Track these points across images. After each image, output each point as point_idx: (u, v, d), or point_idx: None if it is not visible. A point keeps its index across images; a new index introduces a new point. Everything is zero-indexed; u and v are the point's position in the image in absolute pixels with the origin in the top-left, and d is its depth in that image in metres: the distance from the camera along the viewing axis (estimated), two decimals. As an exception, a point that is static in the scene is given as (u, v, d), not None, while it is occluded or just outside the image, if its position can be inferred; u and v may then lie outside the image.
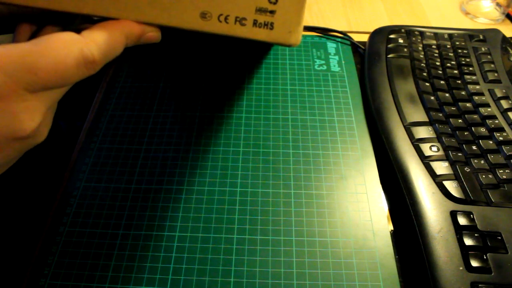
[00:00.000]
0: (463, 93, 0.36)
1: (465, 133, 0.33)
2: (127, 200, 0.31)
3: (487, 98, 0.36)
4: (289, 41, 0.24)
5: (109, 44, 0.18)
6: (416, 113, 0.34)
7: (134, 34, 0.20)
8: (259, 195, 0.32)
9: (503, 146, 0.32)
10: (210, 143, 0.35)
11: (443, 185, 0.29)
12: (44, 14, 0.22)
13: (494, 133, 0.33)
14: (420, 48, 0.41)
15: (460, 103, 0.35)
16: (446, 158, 0.31)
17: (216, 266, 0.28)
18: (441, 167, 0.30)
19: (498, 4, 0.49)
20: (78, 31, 0.18)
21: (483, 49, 0.41)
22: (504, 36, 0.42)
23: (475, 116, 0.34)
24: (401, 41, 0.41)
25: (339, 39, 0.46)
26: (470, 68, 0.39)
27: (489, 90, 0.37)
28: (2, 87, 0.15)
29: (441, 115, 0.34)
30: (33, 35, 0.20)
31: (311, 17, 0.49)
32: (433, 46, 0.41)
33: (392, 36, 0.42)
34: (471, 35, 0.42)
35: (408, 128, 0.33)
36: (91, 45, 0.17)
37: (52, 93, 0.17)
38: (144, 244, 0.29)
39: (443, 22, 0.49)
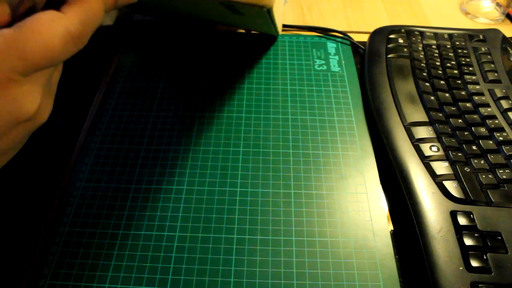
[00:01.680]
0: (463, 93, 0.36)
1: (465, 133, 0.33)
2: (127, 200, 0.31)
3: (487, 98, 0.36)
4: (262, 2, 0.28)
5: (90, 14, 0.18)
6: (416, 113, 0.34)
7: None
8: (259, 195, 0.32)
9: (503, 146, 0.32)
10: (210, 143, 0.35)
11: (443, 185, 0.29)
12: None
13: (494, 133, 0.33)
14: (420, 48, 0.41)
15: (460, 103, 0.35)
16: (446, 158, 0.31)
17: (216, 266, 0.28)
18: (441, 167, 0.30)
19: (498, 4, 0.49)
20: (56, 6, 0.18)
21: (483, 49, 0.41)
22: (504, 36, 0.42)
23: (475, 116, 0.34)
24: (401, 41, 0.41)
25: (339, 39, 0.46)
26: (470, 68, 0.39)
27: (489, 90, 0.37)
28: None
29: (441, 115, 0.34)
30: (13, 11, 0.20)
31: (311, 17, 0.49)
32: (433, 46, 0.41)
33: (392, 36, 0.42)
34: (471, 35, 0.42)
35: (408, 128, 0.33)
36: (74, 21, 0.17)
37: (45, 72, 0.18)
38: (144, 244, 0.29)
39: (443, 22, 0.49)
